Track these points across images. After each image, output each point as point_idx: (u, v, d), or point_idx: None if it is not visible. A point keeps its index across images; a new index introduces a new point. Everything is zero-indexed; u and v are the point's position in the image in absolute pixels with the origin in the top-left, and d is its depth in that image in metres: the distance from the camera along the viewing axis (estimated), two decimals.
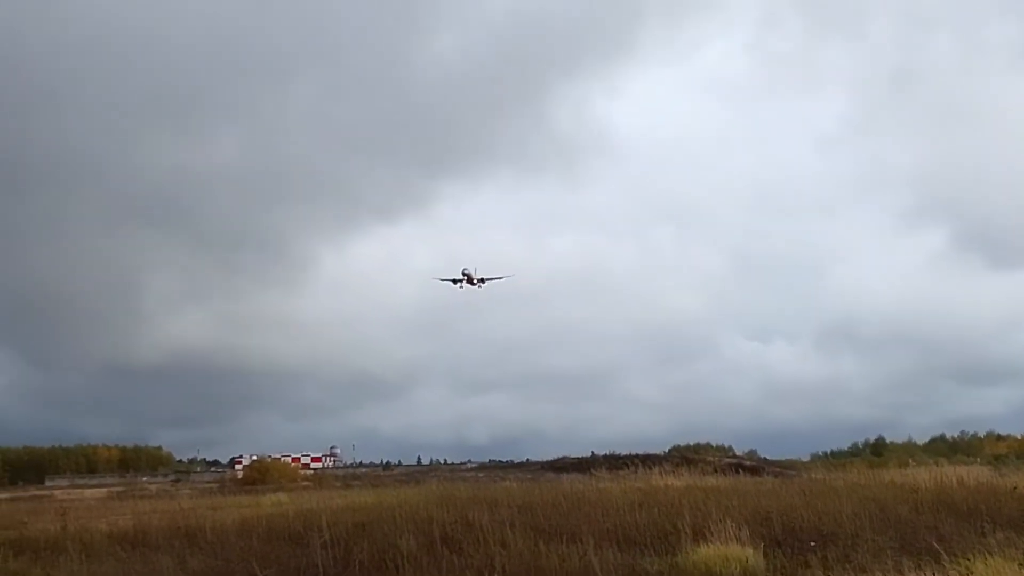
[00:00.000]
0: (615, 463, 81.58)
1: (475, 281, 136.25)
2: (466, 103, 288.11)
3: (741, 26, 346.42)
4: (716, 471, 68.10)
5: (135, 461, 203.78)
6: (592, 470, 74.97)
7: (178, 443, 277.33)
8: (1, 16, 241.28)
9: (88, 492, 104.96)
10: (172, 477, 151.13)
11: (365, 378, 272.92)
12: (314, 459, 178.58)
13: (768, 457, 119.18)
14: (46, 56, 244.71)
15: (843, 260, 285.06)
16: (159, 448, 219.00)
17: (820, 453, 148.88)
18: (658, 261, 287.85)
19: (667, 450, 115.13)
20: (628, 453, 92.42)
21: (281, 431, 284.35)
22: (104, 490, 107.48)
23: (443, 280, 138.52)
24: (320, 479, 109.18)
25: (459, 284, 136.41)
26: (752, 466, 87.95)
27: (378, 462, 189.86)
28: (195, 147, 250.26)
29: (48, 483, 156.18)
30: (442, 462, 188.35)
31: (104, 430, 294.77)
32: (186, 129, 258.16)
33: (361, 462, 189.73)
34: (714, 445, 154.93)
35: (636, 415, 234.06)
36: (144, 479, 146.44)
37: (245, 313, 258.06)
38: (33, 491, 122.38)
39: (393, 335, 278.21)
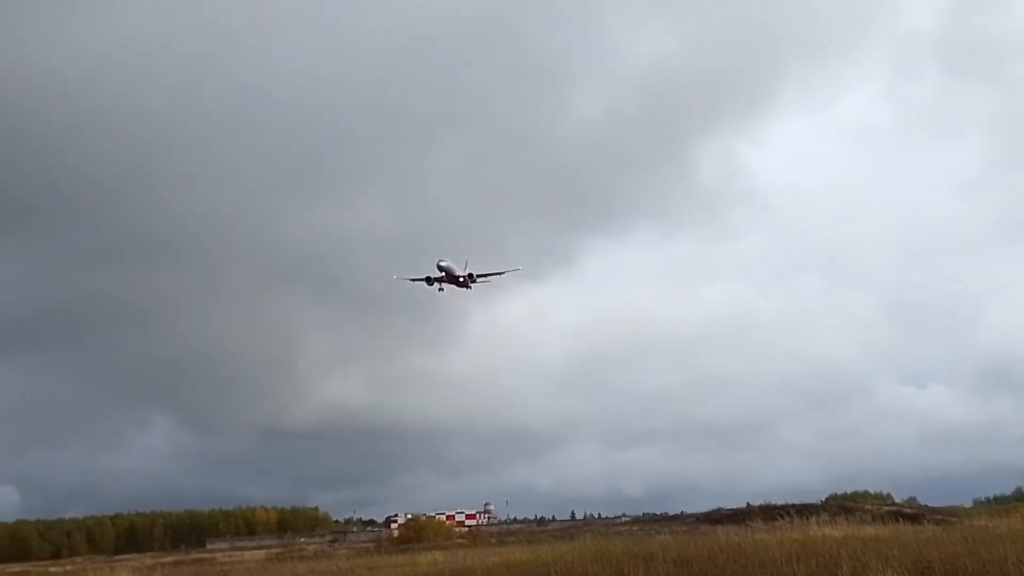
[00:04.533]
0: (770, 513, 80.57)
1: (461, 279, 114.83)
2: (608, 159, 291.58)
3: (879, 74, 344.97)
4: (875, 520, 66.68)
5: (293, 522, 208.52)
6: (748, 521, 74.31)
7: (335, 503, 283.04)
8: (154, 95, 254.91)
9: (248, 554, 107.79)
10: (329, 538, 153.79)
11: (517, 433, 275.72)
12: (468, 516, 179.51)
13: (928, 504, 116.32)
14: (197, 131, 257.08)
15: (996, 301, 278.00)
16: (316, 509, 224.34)
17: (983, 499, 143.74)
18: (807, 308, 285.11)
19: (824, 499, 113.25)
20: (784, 503, 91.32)
21: (435, 488, 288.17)
22: (263, 552, 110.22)
23: (413, 280, 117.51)
24: (475, 536, 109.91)
25: (436, 285, 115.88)
26: (912, 514, 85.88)
27: (532, 517, 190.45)
28: (344, 212, 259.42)
29: (209, 546, 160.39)
30: (596, 516, 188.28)
31: (263, 492, 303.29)
32: (335, 195, 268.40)
33: (515, 518, 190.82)
34: (872, 493, 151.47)
35: (791, 463, 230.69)
36: (302, 540, 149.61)
37: (396, 372, 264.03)
38: (195, 554, 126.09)
39: (543, 390, 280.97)
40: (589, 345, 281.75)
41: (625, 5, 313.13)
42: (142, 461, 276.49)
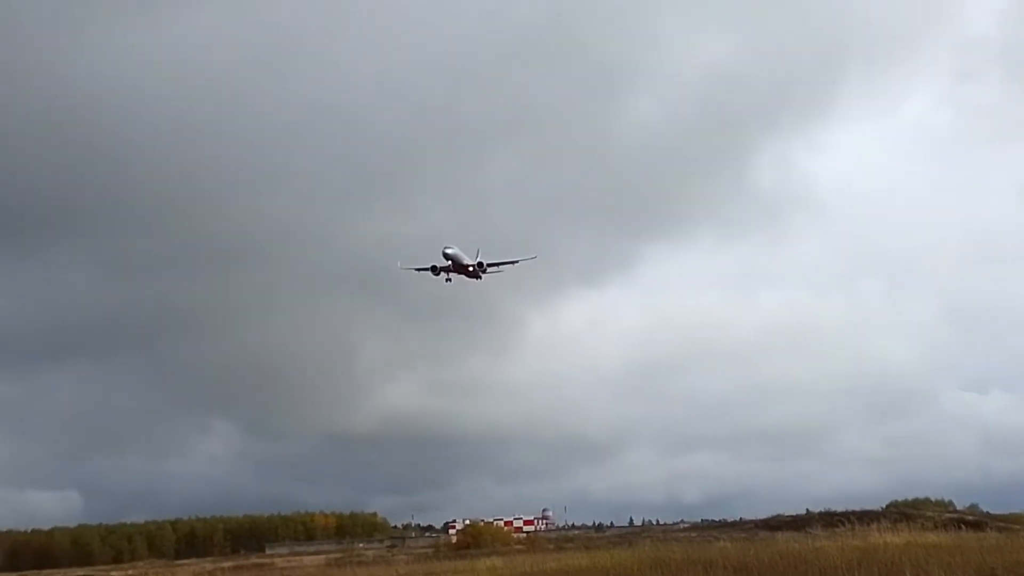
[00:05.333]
0: (830, 520, 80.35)
1: (471, 268, 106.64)
2: (666, 165, 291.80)
3: (940, 79, 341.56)
4: (936, 527, 66.16)
5: (351, 527, 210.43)
6: (807, 528, 74.03)
7: (393, 509, 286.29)
8: (215, 105, 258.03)
9: (307, 559, 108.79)
10: (388, 543, 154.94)
11: (575, 439, 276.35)
12: (527, 522, 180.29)
13: (990, 511, 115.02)
14: (258, 140, 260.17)
15: None
16: (375, 514, 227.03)
17: None
18: (868, 314, 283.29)
19: (884, 506, 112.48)
20: (844, 510, 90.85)
21: (493, 494, 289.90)
22: (322, 557, 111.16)
23: (419, 270, 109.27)
24: (533, 542, 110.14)
25: (443, 275, 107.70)
26: (974, 521, 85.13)
27: (590, 523, 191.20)
28: (403, 218, 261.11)
29: (268, 551, 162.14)
30: (654, 522, 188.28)
31: (322, 497, 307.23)
32: (394, 202, 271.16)
33: (573, 524, 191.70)
34: (933, 500, 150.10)
35: (850, 470, 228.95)
36: (360, 545, 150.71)
37: (455, 379, 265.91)
38: (255, 559, 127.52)
39: (601, 396, 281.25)
40: (647, 351, 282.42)
41: (684, 11, 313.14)
42: (203, 467, 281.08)
